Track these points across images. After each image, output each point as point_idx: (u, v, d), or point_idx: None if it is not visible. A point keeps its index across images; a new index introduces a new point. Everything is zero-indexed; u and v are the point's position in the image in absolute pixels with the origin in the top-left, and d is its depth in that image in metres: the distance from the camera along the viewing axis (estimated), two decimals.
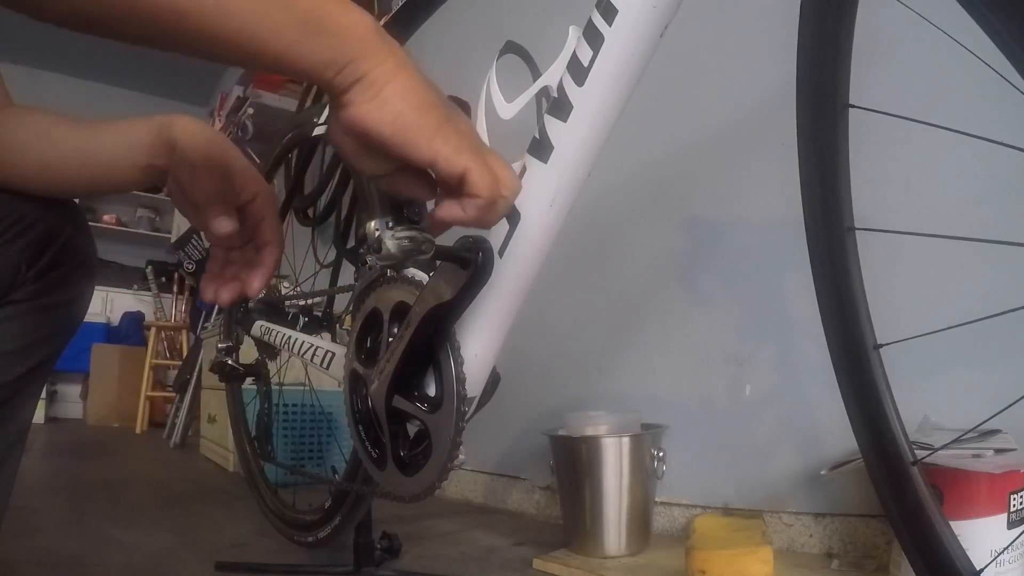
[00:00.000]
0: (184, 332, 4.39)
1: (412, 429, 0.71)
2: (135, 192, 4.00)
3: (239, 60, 0.41)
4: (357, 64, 0.41)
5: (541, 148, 0.65)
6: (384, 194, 0.95)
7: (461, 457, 0.65)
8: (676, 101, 1.43)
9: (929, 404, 1.01)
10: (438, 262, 0.62)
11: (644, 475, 1.21)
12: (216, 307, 3.31)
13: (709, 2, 1.34)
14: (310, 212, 2.31)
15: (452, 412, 0.64)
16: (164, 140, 0.57)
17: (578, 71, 0.62)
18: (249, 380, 1.34)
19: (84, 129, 0.58)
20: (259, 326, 1.18)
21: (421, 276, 0.71)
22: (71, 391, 4.57)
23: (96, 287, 0.74)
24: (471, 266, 0.60)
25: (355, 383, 0.76)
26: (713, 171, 1.40)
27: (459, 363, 0.65)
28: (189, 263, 4.12)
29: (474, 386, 0.67)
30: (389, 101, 0.42)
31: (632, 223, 1.56)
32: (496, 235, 0.66)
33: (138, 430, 3.85)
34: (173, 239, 4.18)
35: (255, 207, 0.60)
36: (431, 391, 0.68)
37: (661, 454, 1.22)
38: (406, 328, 0.66)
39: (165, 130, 0.57)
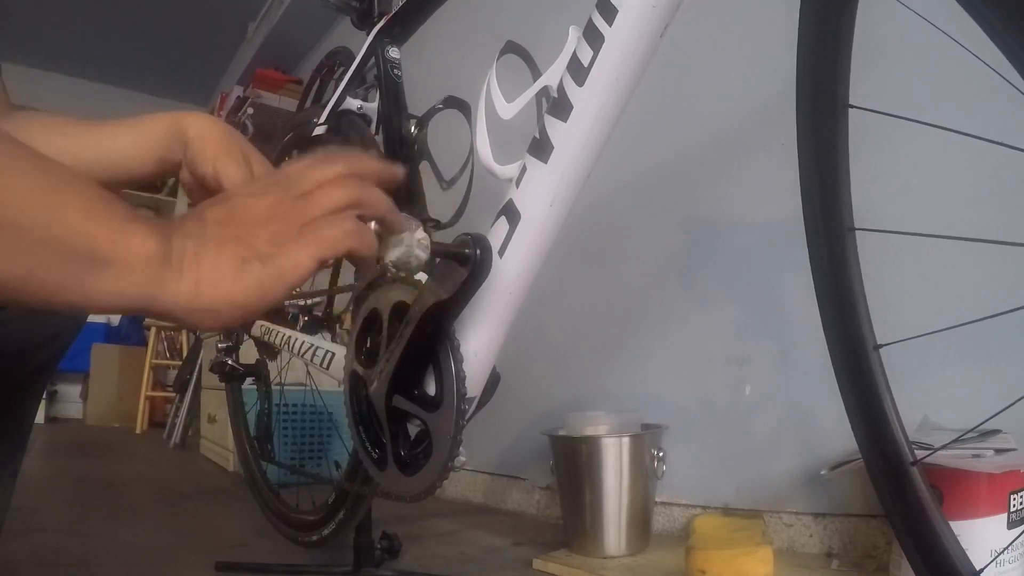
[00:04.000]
0: (184, 332, 4.39)
1: (412, 429, 0.71)
2: (133, 191, 3.99)
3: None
4: (157, 301, 0.36)
5: (541, 148, 0.65)
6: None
7: (462, 457, 0.65)
8: (676, 101, 1.43)
9: (929, 404, 1.01)
10: (437, 260, 0.62)
11: (644, 475, 1.21)
12: None
13: (709, 2, 1.34)
14: None
15: (452, 411, 0.64)
16: (176, 135, 0.58)
17: (578, 71, 0.62)
18: (249, 380, 1.34)
19: (96, 125, 0.58)
20: (259, 326, 1.17)
21: (420, 275, 0.71)
22: (71, 391, 4.56)
23: None
24: (469, 263, 0.60)
25: (355, 383, 0.76)
26: (713, 171, 1.40)
27: (459, 362, 0.65)
28: None
29: (474, 385, 0.67)
30: (207, 308, 0.38)
31: (632, 223, 1.56)
32: (496, 235, 0.66)
33: (138, 430, 3.85)
34: None
35: None
36: (431, 391, 0.68)
37: (661, 454, 1.22)
38: (405, 327, 0.66)
39: (176, 125, 0.58)
